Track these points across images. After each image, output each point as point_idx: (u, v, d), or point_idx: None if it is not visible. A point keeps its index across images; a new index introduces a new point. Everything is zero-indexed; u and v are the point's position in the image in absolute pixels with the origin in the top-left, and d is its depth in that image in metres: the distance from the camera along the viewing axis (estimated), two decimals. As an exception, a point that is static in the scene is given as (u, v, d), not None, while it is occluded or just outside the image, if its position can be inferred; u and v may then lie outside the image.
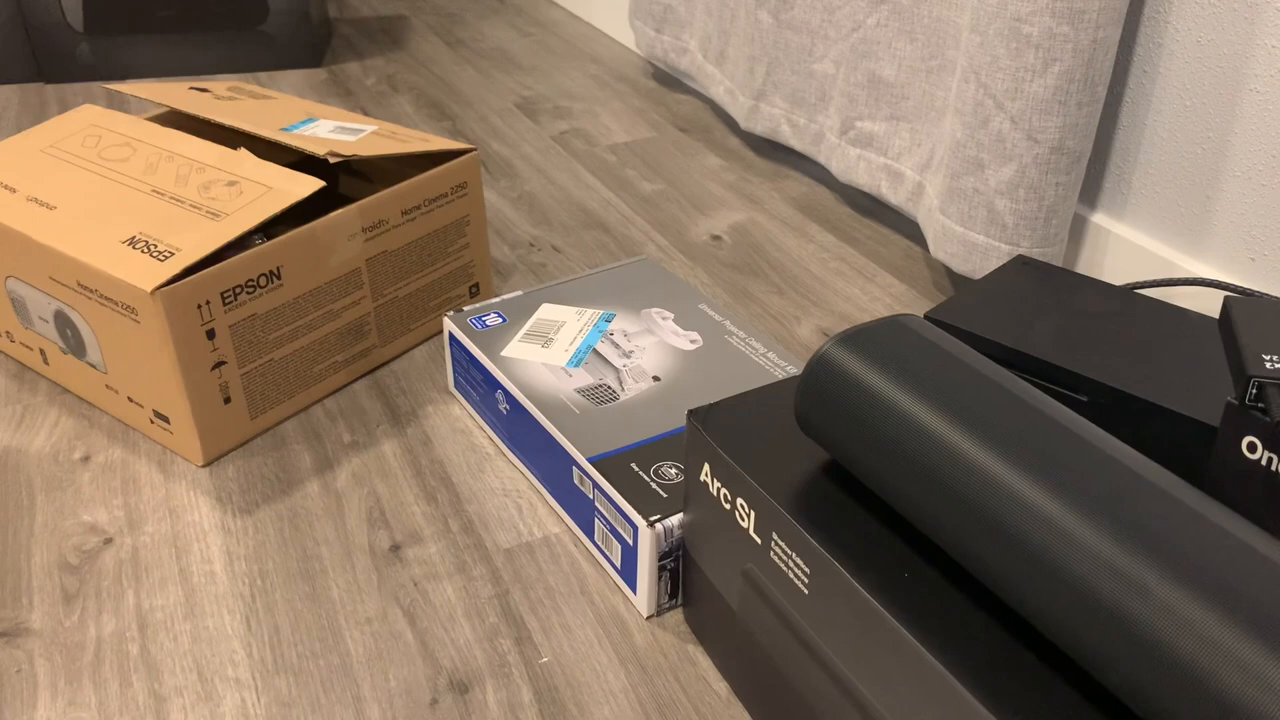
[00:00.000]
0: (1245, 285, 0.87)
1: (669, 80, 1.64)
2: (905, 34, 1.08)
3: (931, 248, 1.04)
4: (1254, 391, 0.52)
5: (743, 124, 1.36)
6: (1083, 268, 1.02)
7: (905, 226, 1.21)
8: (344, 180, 1.13)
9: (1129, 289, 0.79)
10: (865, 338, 0.57)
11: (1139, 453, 0.49)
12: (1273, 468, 0.52)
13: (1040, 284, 0.80)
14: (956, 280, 1.09)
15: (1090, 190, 0.99)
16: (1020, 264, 0.83)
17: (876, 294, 1.08)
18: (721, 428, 0.62)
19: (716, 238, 1.19)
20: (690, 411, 0.63)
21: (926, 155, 1.08)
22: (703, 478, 0.63)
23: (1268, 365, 0.52)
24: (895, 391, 0.53)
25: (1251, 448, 0.53)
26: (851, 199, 1.27)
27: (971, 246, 0.98)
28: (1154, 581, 0.41)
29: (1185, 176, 0.89)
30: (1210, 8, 0.83)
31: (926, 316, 0.77)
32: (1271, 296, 0.60)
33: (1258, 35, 0.80)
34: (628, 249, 1.16)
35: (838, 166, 1.21)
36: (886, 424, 0.53)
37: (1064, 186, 0.92)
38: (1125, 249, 0.96)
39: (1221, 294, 0.85)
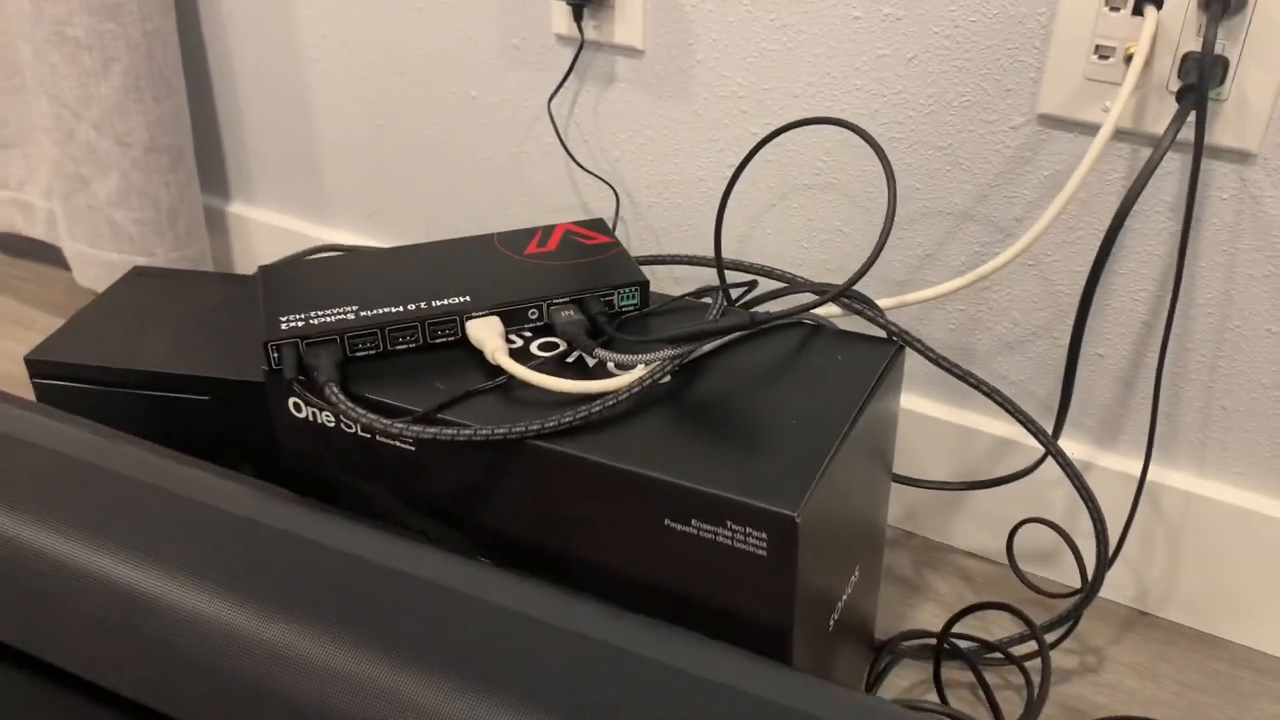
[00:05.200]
0: (370, 243, 0.92)
1: None
2: (-22, 53, 0.96)
3: (76, 276, 0.96)
4: (275, 356, 0.52)
5: None
6: (238, 260, 1.00)
7: (65, 259, 1.11)
8: None
9: (241, 277, 0.79)
10: None
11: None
12: (319, 420, 0.54)
13: (156, 292, 0.76)
14: (125, 303, 1.02)
15: (217, 182, 0.98)
16: (135, 275, 0.78)
17: (37, 342, 0.97)
18: None
19: None
20: None
21: (46, 180, 0.99)
22: None
23: (283, 326, 0.53)
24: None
25: (296, 407, 0.54)
26: (1, 243, 1.13)
27: (109, 267, 0.91)
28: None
29: (289, 150, 0.91)
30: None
31: (27, 360, 0.70)
32: (305, 254, 0.62)
33: (295, 7, 0.84)
34: None
35: (-36, 210, 1.06)
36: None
37: (176, 185, 0.89)
38: (269, 233, 0.97)
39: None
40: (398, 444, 0.52)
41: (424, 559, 0.42)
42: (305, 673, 0.38)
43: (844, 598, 0.53)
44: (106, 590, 0.41)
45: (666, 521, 0.47)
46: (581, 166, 0.77)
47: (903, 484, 0.68)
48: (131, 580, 0.41)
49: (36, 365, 0.69)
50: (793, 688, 0.37)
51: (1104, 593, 0.70)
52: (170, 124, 0.87)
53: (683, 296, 0.59)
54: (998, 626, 0.68)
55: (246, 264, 1.00)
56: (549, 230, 0.62)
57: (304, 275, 0.58)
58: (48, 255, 1.10)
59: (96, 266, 0.92)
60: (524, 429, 0.47)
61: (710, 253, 0.75)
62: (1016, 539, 0.71)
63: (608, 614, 0.42)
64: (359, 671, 0.38)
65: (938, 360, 0.53)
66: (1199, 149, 0.54)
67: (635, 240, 0.78)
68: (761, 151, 0.69)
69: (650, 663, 0.38)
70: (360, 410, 0.49)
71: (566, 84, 0.74)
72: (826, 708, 0.37)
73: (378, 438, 0.52)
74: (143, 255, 0.90)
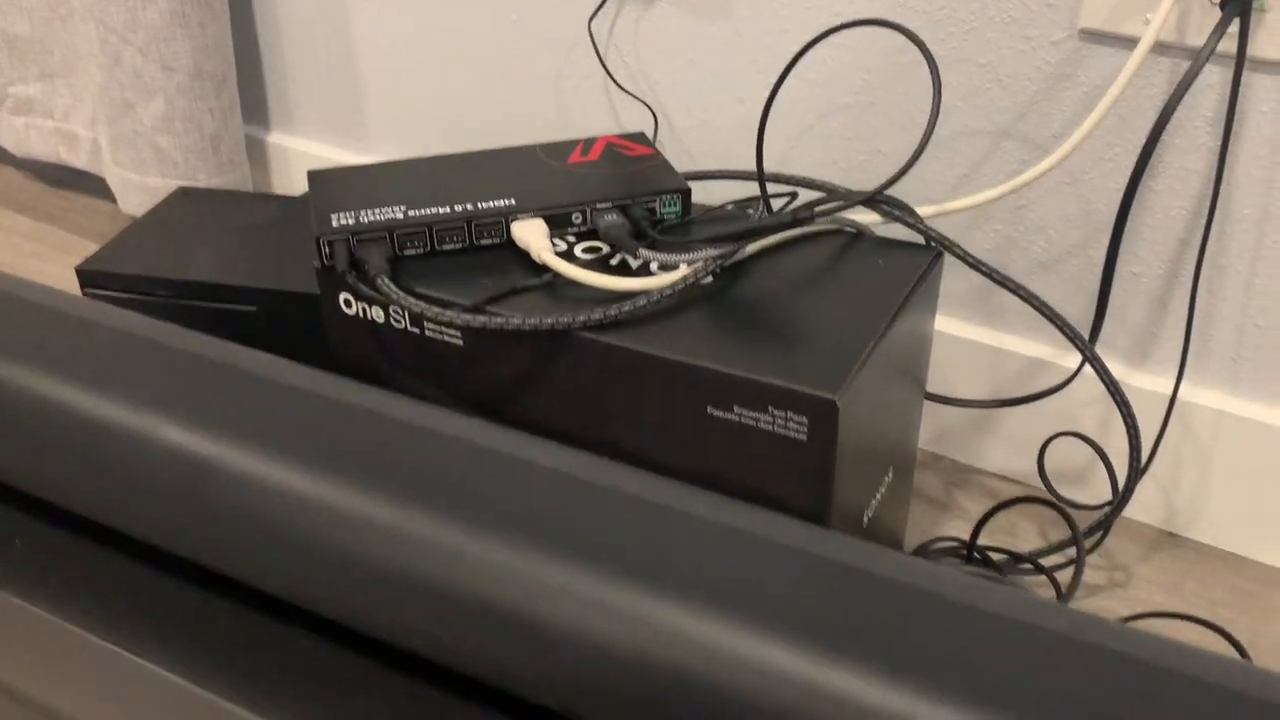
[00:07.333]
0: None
1: None
2: (24, -18, 0.98)
3: (120, 203, 0.97)
4: (326, 251, 0.54)
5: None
6: (277, 189, 1.02)
7: (107, 189, 1.12)
8: None
9: (286, 197, 0.80)
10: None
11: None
12: (369, 316, 0.55)
13: (202, 210, 0.78)
14: (166, 232, 1.04)
15: (257, 111, 0.99)
16: (181, 195, 0.80)
17: (81, 266, 0.99)
18: None
19: (-127, 250, 1.00)
20: None
21: (90, 109, 1.00)
22: None
23: (334, 224, 0.54)
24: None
25: (347, 304, 0.55)
26: (42, 173, 1.15)
27: (152, 192, 0.93)
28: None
29: (330, 79, 0.92)
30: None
31: (77, 270, 0.71)
32: (356, 165, 0.63)
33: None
34: None
35: (9, 141, 1.08)
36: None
37: (219, 111, 0.90)
38: (309, 162, 0.98)
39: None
40: (446, 337, 0.53)
41: (480, 429, 0.44)
42: (361, 530, 0.40)
43: (877, 497, 0.55)
44: (170, 456, 0.42)
45: (709, 409, 0.48)
46: (621, 88, 0.77)
47: (935, 402, 0.69)
48: (194, 446, 0.42)
49: (87, 276, 0.71)
50: (847, 547, 0.38)
51: (1132, 513, 0.71)
52: (214, 50, 0.88)
53: (724, 205, 0.60)
54: (1025, 543, 0.70)
55: (286, 192, 1.02)
56: (591, 141, 0.63)
57: (352, 179, 0.59)
58: (91, 186, 1.12)
59: (140, 192, 0.94)
60: (570, 320, 0.49)
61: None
62: (1045, 459, 0.72)
63: (662, 482, 0.43)
64: (416, 528, 0.40)
65: (976, 265, 0.54)
66: (1240, 60, 0.54)
67: (673, 162, 0.79)
68: (802, 69, 0.70)
69: (688, 515, 0.40)
70: (411, 299, 0.50)
71: (607, 4, 0.75)
72: (886, 566, 0.38)
73: (427, 330, 0.53)
74: (185, 180, 0.92)
